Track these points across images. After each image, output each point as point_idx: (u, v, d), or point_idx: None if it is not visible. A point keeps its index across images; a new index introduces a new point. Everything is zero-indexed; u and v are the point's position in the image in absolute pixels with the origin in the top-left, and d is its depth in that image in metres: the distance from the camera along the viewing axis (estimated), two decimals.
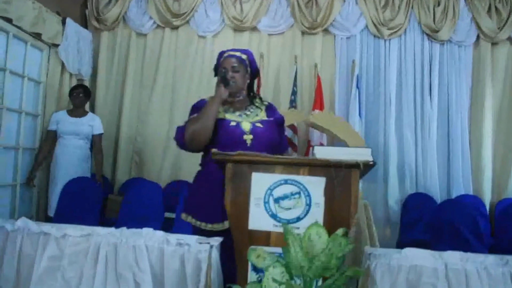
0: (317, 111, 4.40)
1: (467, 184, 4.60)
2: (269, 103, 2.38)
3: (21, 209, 4.09)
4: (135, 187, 4.23)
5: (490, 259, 1.81)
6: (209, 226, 2.09)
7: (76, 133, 4.06)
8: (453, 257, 1.82)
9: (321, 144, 4.42)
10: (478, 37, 4.75)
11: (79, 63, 4.63)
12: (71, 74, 4.57)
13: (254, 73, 2.35)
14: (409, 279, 1.78)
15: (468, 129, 4.72)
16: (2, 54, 3.80)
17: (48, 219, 3.93)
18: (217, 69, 2.32)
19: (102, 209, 4.10)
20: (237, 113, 2.22)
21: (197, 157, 2.33)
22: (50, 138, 4.11)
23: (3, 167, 3.84)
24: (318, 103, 4.57)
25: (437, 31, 4.72)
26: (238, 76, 2.20)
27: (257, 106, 2.28)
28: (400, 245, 3.94)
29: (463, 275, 1.78)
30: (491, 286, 1.73)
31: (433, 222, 3.72)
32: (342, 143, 4.14)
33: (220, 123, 2.13)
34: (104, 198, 4.22)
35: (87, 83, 4.80)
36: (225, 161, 1.80)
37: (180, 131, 2.14)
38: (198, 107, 2.20)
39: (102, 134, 4.29)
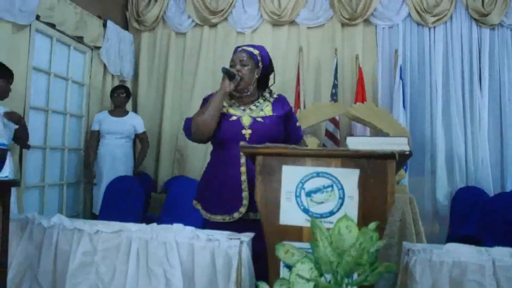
0: (358, 103, 4.26)
1: None
2: (279, 95, 2.32)
3: (69, 208, 4.23)
4: (177, 185, 4.26)
5: None
6: (211, 217, 2.15)
7: (118, 132, 4.16)
8: (502, 253, 1.67)
9: None
10: None
11: (121, 64, 4.74)
12: (113, 75, 4.69)
13: (267, 68, 2.29)
14: (452, 276, 1.65)
15: None
16: (46, 58, 3.94)
17: (94, 217, 4.04)
18: None
19: (145, 207, 4.17)
20: (242, 107, 2.20)
21: None
22: (94, 138, 4.24)
23: (50, 168, 3.97)
24: (360, 95, 4.43)
25: (486, 15, 4.44)
26: (246, 70, 2.17)
27: (264, 100, 2.25)
28: (450, 241, 3.74)
29: None
30: None
31: (485, 216, 3.51)
32: (386, 136, 3.99)
33: (222, 117, 2.14)
34: (147, 196, 4.29)
35: (129, 83, 4.90)
36: (255, 154, 1.75)
37: (188, 122, 2.19)
38: (207, 100, 2.22)
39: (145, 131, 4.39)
